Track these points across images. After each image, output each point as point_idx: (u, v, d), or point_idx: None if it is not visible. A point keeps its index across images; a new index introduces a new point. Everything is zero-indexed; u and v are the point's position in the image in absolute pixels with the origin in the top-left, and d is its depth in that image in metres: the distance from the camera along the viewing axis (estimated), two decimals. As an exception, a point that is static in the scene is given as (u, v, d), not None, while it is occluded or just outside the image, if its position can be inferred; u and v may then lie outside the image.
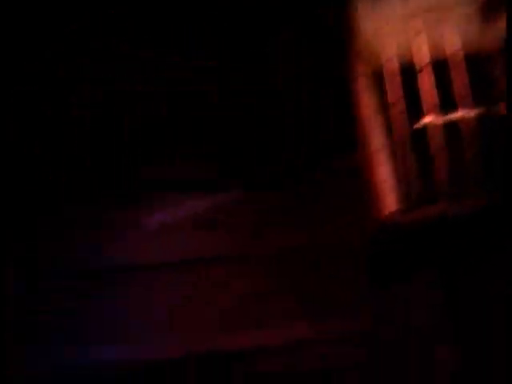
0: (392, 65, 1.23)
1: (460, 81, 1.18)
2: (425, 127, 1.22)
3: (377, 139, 1.23)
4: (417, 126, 1.21)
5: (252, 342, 1.35)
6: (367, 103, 1.26)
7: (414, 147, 1.22)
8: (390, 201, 1.21)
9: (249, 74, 1.39)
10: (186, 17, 1.37)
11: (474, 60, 1.22)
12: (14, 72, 1.39)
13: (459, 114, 1.20)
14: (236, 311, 1.36)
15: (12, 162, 1.40)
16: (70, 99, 1.40)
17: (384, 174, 1.23)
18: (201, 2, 1.37)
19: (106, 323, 1.34)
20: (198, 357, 1.33)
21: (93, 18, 1.35)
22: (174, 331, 1.35)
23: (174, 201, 1.38)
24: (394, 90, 1.22)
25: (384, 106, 1.26)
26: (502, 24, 1.19)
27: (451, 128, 1.18)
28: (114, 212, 1.38)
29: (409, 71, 1.22)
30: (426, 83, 1.21)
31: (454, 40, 1.21)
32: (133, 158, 1.40)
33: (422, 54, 1.23)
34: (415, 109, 1.20)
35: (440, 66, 1.21)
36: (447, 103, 1.19)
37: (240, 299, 1.36)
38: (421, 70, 1.22)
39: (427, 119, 1.21)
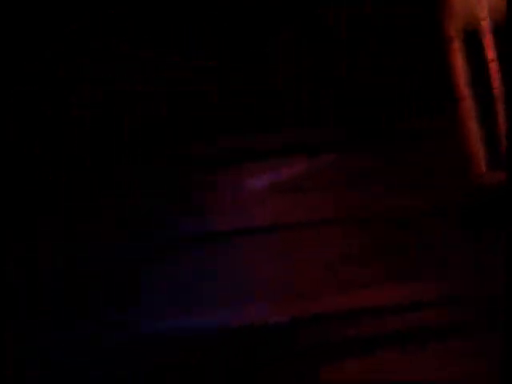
0: (486, 23, 1.24)
1: None
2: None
3: (468, 100, 1.24)
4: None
5: (346, 304, 1.35)
6: (460, 63, 1.27)
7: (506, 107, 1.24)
8: (480, 161, 1.22)
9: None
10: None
11: None
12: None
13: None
14: (329, 275, 1.36)
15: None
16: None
17: (475, 134, 1.24)
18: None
19: (205, 289, 1.34)
20: (297, 320, 1.33)
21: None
22: (268, 296, 1.34)
23: (264, 167, 1.37)
24: (489, 49, 1.23)
25: (477, 66, 1.27)
26: None
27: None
28: (209, 176, 1.37)
29: (502, 30, 1.24)
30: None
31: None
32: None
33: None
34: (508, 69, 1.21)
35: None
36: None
37: (335, 262, 1.36)
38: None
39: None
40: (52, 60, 1.35)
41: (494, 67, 1.23)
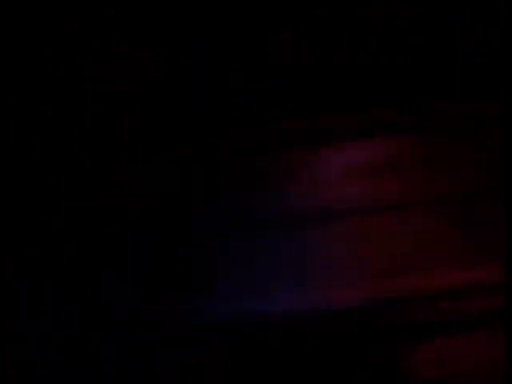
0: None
1: None
2: None
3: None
4: None
5: (421, 286, 1.36)
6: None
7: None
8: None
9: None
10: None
11: None
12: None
13: None
14: (405, 257, 1.36)
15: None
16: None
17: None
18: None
19: (282, 272, 1.33)
20: (375, 302, 1.33)
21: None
22: (347, 278, 1.34)
23: (341, 149, 1.36)
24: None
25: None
26: None
27: None
28: (286, 156, 1.36)
29: None
30: None
31: None
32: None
33: None
34: None
35: None
36: None
37: (410, 245, 1.36)
38: None
39: None
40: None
41: None
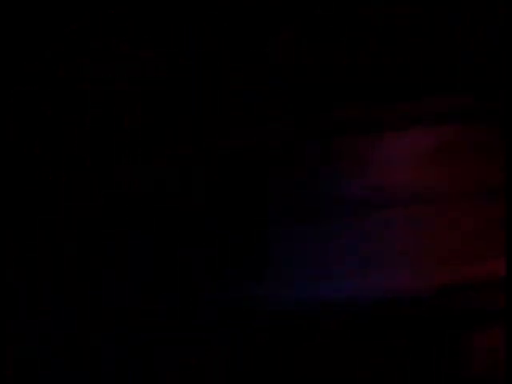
0: None
1: None
2: None
3: None
4: None
5: (482, 274, 1.37)
6: None
7: None
8: None
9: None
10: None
11: None
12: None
13: None
14: (466, 246, 1.37)
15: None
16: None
17: None
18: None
19: (345, 257, 1.33)
20: (437, 289, 1.33)
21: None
22: (409, 265, 1.35)
23: (402, 137, 1.36)
24: None
25: None
26: None
27: None
28: (349, 142, 1.36)
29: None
30: None
31: None
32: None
33: None
34: None
35: None
36: None
37: (470, 234, 1.37)
38: None
39: None
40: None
41: None
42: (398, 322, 1.37)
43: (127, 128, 1.39)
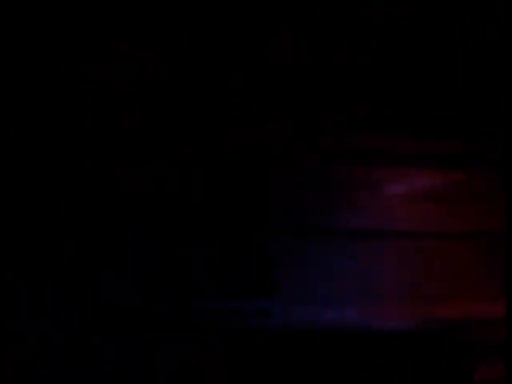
0: None
1: None
2: None
3: None
4: None
5: (473, 313, 1.39)
6: None
7: None
8: None
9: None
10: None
11: None
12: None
13: None
14: (458, 285, 1.39)
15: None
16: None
17: None
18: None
19: (333, 285, 1.35)
20: (422, 324, 1.34)
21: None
22: (397, 299, 1.36)
23: (402, 173, 1.38)
24: None
25: None
26: None
27: None
28: (351, 175, 1.38)
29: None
30: None
31: None
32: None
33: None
34: None
35: None
36: None
37: (463, 273, 1.39)
38: None
39: None
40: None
41: None
42: (384, 351, 1.38)
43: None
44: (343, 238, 1.38)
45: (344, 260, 1.37)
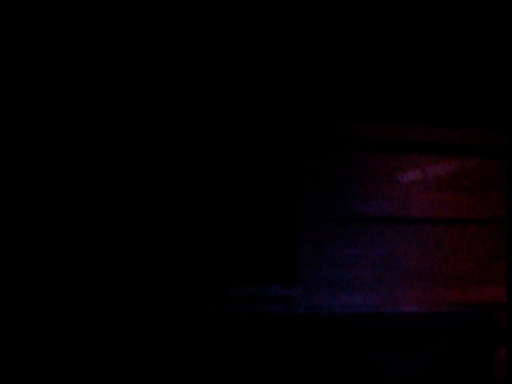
0: None
1: None
2: None
3: None
4: None
5: (489, 298, 1.42)
6: None
7: None
8: None
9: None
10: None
11: None
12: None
13: None
14: (476, 269, 1.43)
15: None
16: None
17: None
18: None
19: (360, 271, 1.37)
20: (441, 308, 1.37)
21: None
22: (417, 284, 1.39)
23: (420, 161, 1.42)
24: None
25: None
26: None
27: None
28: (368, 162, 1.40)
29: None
30: None
31: None
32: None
33: None
34: None
35: None
36: None
37: (481, 258, 1.43)
38: None
39: None
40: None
41: None
42: (419, 334, 1.42)
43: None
44: (365, 224, 1.43)
45: (366, 246, 1.42)
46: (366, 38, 1.44)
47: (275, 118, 1.41)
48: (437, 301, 1.48)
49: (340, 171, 1.48)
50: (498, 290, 1.48)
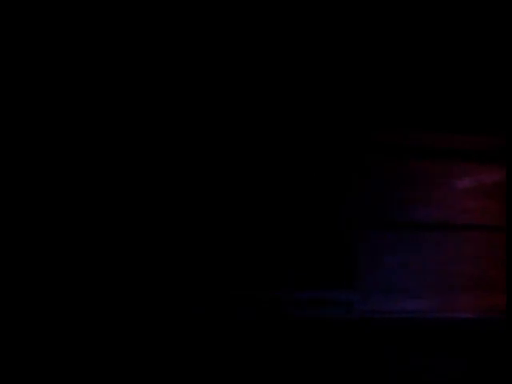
0: None
1: None
2: None
3: None
4: None
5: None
6: None
7: None
8: None
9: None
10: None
11: None
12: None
13: None
14: (490, 276, 1.44)
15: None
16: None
17: None
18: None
19: (411, 277, 1.38)
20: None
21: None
22: (469, 290, 1.40)
23: (467, 169, 1.43)
24: None
25: None
26: None
27: None
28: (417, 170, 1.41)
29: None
30: None
31: None
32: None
33: None
34: None
35: None
36: None
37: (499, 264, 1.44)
38: None
39: None
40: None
41: None
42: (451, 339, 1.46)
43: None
44: (420, 231, 1.47)
45: (421, 252, 1.47)
46: (421, 47, 1.49)
47: (331, 126, 1.45)
48: (491, 307, 1.54)
49: (396, 179, 1.53)
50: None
